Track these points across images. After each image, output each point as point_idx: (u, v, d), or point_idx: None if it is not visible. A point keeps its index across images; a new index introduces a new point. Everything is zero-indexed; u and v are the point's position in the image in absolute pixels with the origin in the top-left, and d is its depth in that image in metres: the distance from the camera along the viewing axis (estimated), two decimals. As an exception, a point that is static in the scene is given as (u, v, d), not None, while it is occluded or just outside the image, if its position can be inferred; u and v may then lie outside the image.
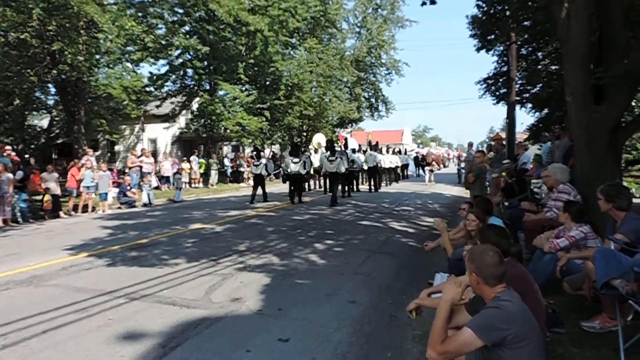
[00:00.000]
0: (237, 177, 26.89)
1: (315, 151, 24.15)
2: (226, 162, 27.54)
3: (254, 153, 19.54)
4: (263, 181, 18.05)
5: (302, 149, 23.44)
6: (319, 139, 26.27)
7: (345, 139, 21.36)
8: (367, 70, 40.05)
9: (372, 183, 21.98)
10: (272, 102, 28.37)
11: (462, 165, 25.84)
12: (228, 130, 26.68)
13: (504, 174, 11.24)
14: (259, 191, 17.85)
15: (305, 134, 36.18)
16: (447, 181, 27.56)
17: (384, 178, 24.97)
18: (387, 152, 26.68)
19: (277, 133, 32.76)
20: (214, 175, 24.59)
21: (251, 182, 25.71)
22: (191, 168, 23.67)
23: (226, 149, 35.78)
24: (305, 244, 9.20)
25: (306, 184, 21.52)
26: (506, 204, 9.44)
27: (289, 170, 17.47)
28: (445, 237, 6.11)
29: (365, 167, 22.11)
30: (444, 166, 47.00)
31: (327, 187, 20.65)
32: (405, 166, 32.49)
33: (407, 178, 32.28)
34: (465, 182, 13.62)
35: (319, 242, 9.28)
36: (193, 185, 23.74)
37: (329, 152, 17.38)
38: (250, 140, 27.27)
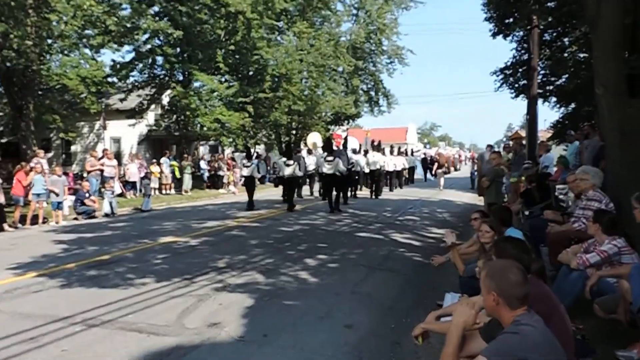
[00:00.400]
0: (215, 182, 26.86)
1: (309, 152, 24.28)
2: (202, 164, 27.50)
3: (244, 153, 20.08)
4: (254, 184, 18.57)
5: (300, 148, 23.73)
6: (315, 139, 26.38)
7: (345, 138, 21.50)
8: (365, 58, 40.22)
9: (374, 188, 22.19)
10: (256, 96, 28.41)
11: (476, 168, 26.07)
12: (205, 128, 26.63)
13: (523, 178, 11.32)
14: (254, 195, 18.36)
15: (294, 132, 36.26)
16: (458, 186, 27.71)
17: (387, 183, 25.13)
18: (391, 153, 26.83)
19: (262, 131, 32.77)
20: (187, 180, 24.54)
21: (232, 188, 26.01)
22: (161, 172, 23.61)
23: (202, 150, 35.72)
24: (294, 259, 9.21)
25: (304, 187, 22.28)
26: (526, 213, 9.50)
27: (283, 174, 17.95)
28: (455, 252, 6.13)
29: (367, 170, 22.27)
30: (455, 169, 47.26)
31: (323, 192, 20.95)
32: (411, 169, 32.71)
33: (413, 183, 32.48)
34: (478, 187, 13.69)
35: (310, 257, 9.29)
36: (164, 191, 23.68)
37: (326, 152, 17.74)
38: (230, 140, 27.28)
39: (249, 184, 18.49)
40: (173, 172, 24.47)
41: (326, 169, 17.28)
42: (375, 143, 24.13)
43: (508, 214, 6.23)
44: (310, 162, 21.90)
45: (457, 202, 19.68)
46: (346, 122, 42.86)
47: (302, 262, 8.99)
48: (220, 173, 26.72)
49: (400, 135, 77.88)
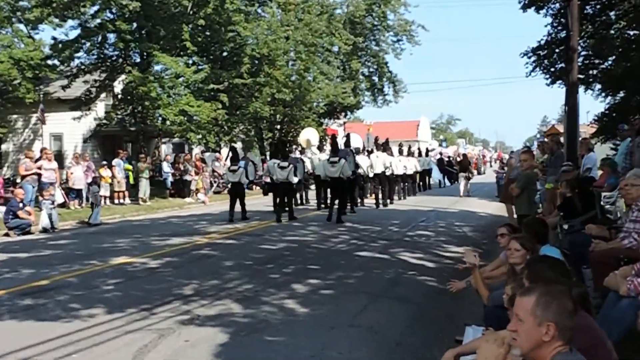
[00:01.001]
0: (180, 189, 26.85)
1: (302, 152, 24.36)
2: (165, 167, 27.48)
3: (230, 154, 20.53)
4: (243, 191, 19.03)
5: (292, 148, 23.90)
6: (309, 135, 26.42)
7: (347, 135, 21.62)
8: (367, 36, 40.51)
9: (380, 196, 22.42)
10: (232, 82, 28.48)
11: (504, 171, 26.24)
12: (167, 122, 26.65)
13: (561, 184, 11.37)
14: (239, 206, 18.54)
15: (279, 126, 36.35)
16: (482, 194, 27.93)
17: (397, 189, 25.40)
18: (401, 153, 26.89)
19: (239, 126, 32.82)
20: (146, 187, 24.51)
21: (201, 196, 26.02)
22: (113, 176, 23.56)
23: (165, 149, 35.66)
24: (279, 284, 9.22)
25: (298, 194, 22.81)
26: (565, 227, 9.55)
27: (274, 178, 18.36)
28: (478, 275, 6.16)
29: (371, 174, 22.50)
30: (479, 173, 47.63)
31: (320, 199, 21.43)
32: (426, 173, 32.99)
33: (428, 189, 32.75)
34: (506, 195, 13.70)
35: (298, 282, 9.30)
36: (116, 201, 23.63)
37: (329, 152, 18.08)
38: (199, 136, 27.30)
39: (236, 192, 18.77)
40: (128, 177, 24.41)
41: (330, 172, 17.71)
42: (381, 141, 24.16)
43: (543, 229, 6.26)
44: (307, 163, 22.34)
45: (481, 213, 19.78)
46: (343, 114, 43.09)
47: (289, 288, 8.99)
48: (187, 178, 26.70)
49: (410, 130, 78.26)
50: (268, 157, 33.35)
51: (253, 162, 23.29)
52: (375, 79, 42.62)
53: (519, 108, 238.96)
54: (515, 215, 11.37)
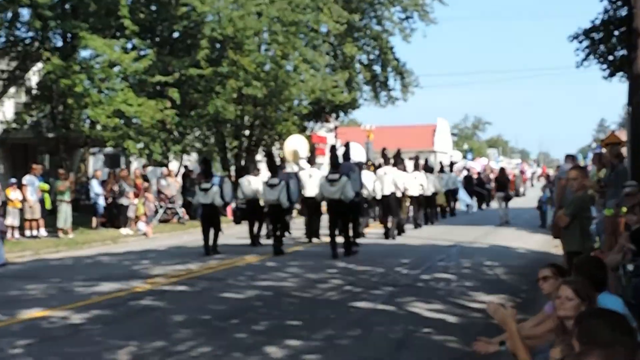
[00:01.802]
0: (115, 216, 26.71)
1: (280, 166, 24.44)
2: (94, 187, 27.31)
3: (202, 168, 21.03)
4: (218, 216, 19.73)
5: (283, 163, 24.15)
6: (296, 145, 26.38)
7: (347, 145, 21.67)
8: (366, 11, 40.69)
9: (388, 224, 22.61)
10: (185, 73, 28.47)
11: (548, 193, 26.33)
12: (98, 126, 26.51)
13: (624, 209, 11.42)
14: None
15: (248, 132, 36.29)
16: (520, 223, 28.05)
17: (409, 214, 25.47)
18: (417, 168, 27.00)
19: (194, 131, 32.74)
20: (67, 214, 24.34)
21: (142, 226, 25.90)
22: (24, 200, 23.42)
23: (94, 163, 35.52)
24: (246, 347, 9.17)
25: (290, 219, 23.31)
26: (630, 268, 9.57)
27: (265, 199, 19.09)
28: (514, 334, 6.14)
29: (378, 196, 22.84)
30: (517, 194, 47.80)
31: (311, 228, 21.90)
32: (450, 194, 33.24)
33: (452, 215, 33.01)
34: (553, 226, 13.61)
35: (273, 344, 9.25)
36: (28, 232, 23.48)
37: (329, 168, 18.65)
38: (140, 145, 27.21)
39: (210, 216, 19.36)
40: (43, 201, 24.24)
41: (329, 192, 18.15)
42: (390, 152, 24.23)
43: (600, 271, 6.26)
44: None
45: (519, 249, 19.83)
46: (334, 115, 43.16)
47: (260, 352, 8.94)
48: (124, 202, 26.54)
49: (423, 138, 78.53)
50: (233, 173, 33.43)
51: (228, 179, 23.26)
52: (377, 68, 42.75)
53: (568, 109, 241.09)
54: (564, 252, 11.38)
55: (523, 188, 55.61)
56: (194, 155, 37.73)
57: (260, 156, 36.57)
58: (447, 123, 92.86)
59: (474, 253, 18.86)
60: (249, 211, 21.72)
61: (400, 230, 23.39)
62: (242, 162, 35.01)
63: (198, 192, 20.05)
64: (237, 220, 26.86)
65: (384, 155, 23.93)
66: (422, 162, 28.69)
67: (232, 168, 35.67)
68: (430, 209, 28.68)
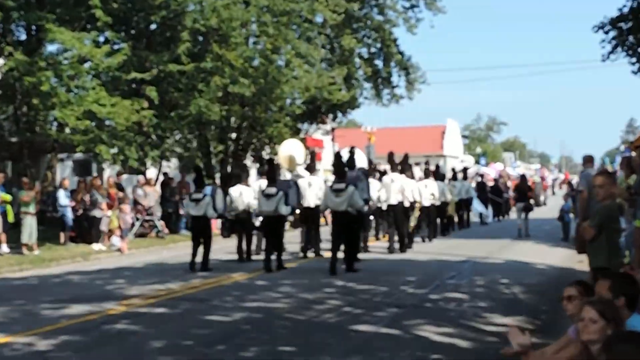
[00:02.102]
0: (86, 230, 26.64)
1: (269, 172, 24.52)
2: (62, 198, 27.24)
3: (194, 177, 21.26)
4: (209, 229, 20.16)
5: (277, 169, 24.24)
6: (292, 150, 26.36)
7: (351, 151, 21.70)
8: (365, 0, 40.66)
9: (395, 237, 22.79)
10: (164, 69, 28.40)
11: (571, 202, 26.28)
12: (67, 129, 26.42)
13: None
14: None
15: (234, 135, 36.22)
16: (540, 235, 28.12)
17: (417, 226, 25.47)
18: (427, 175, 27.07)
19: (174, 134, 32.65)
20: (32, 228, 24.25)
21: (116, 241, 25.85)
22: (-16, 211, 23.32)
23: (62, 170, 35.43)
24: (233, 377, 9.10)
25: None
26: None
27: (259, 211, 19.52)
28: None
29: (384, 206, 23.09)
30: (536, 204, 47.98)
31: (308, 241, 22.09)
32: (463, 204, 33.41)
33: (466, 227, 33.21)
34: (576, 239, 13.50)
35: (264, 374, 9.19)
36: (-12, 248, 23.38)
37: (334, 176, 19.09)
38: (114, 151, 27.13)
39: (201, 228, 19.76)
40: (5, 213, 24.15)
41: (334, 203, 18.41)
42: (398, 156, 24.27)
43: (631, 289, 6.23)
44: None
45: (539, 265, 19.82)
46: (331, 116, 43.12)
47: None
48: (96, 214, 26.48)
49: (431, 140, 78.84)
50: (218, 180, 33.36)
51: (220, 189, 23.30)
52: (379, 63, 42.77)
53: (593, 107, 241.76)
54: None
55: (543, 196, 55.70)
56: (174, 162, 37.58)
57: (249, 162, 36.52)
58: (457, 124, 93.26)
59: (488, 269, 18.85)
60: (239, 224, 21.84)
61: (407, 244, 23.42)
62: (229, 169, 34.97)
63: (188, 203, 20.36)
64: (225, 234, 26.86)
65: (391, 160, 23.89)
66: (432, 168, 28.71)
67: (217, 175, 35.62)
68: (441, 220, 28.77)
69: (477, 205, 36.67)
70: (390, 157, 23.96)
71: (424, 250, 23.61)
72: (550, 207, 45.41)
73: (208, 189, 20.29)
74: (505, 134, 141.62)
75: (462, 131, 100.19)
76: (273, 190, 18.97)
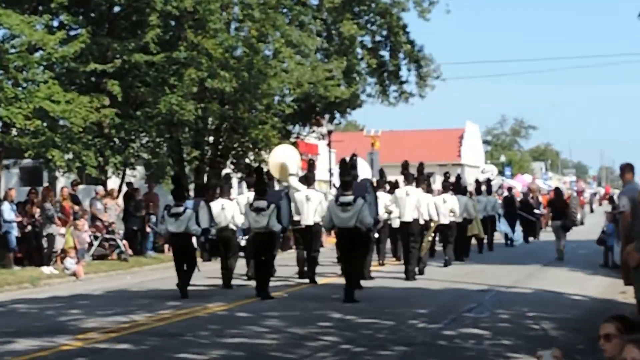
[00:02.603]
0: (34, 250, 26.59)
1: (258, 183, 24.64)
2: (6, 212, 27.26)
3: (172, 188, 21.52)
4: (192, 249, 20.42)
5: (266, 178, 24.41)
6: (284, 157, 26.44)
7: (352, 159, 21.83)
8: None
9: (406, 260, 22.98)
10: (128, 59, 28.39)
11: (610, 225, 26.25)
12: (14, 131, 26.42)
13: None
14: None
15: (212, 138, 36.18)
16: (576, 260, 28.21)
17: (431, 248, 25.93)
18: (447, 189, 27.26)
19: (141, 137, 32.65)
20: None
21: (71, 264, 25.76)
22: None
23: (7, 179, 35.42)
24: None
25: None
26: None
27: (247, 228, 19.99)
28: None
29: (395, 224, 23.69)
30: (574, 222, 48.16)
31: (303, 264, 22.59)
32: (489, 222, 33.69)
33: (489, 250, 33.49)
34: (622, 267, 13.43)
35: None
36: None
37: (339, 186, 19.44)
38: (69, 156, 27.16)
39: (183, 248, 19.96)
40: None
41: (340, 219, 18.47)
42: (412, 165, 24.38)
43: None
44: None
45: (573, 296, 19.77)
46: (328, 117, 43.04)
47: None
48: (47, 231, 26.48)
49: (447, 147, 78.83)
50: (192, 194, 33.37)
51: (205, 202, 23.33)
52: (385, 54, 42.77)
53: (639, 109, 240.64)
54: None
55: (580, 214, 55.37)
56: (140, 170, 37.44)
57: (229, 170, 36.47)
58: (477, 128, 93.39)
59: (513, 301, 18.79)
60: (223, 243, 22.01)
61: (421, 269, 23.67)
62: (205, 179, 34.92)
63: (167, 219, 20.26)
64: (206, 256, 27.05)
65: (405, 170, 23.90)
66: (453, 178, 28.86)
67: (192, 186, 35.62)
68: (461, 240, 28.96)
69: (502, 225, 36.74)
70: (405, 167, 23.90)
71: (437, 276, 23.64)
72: (588, 226, 45.36)
73: (189, 203, 20.40)
74: (534, 139, 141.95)
75: (483, 136, 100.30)
76: (263, 203, 19.11)
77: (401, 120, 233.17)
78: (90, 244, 28.41)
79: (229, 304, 18.57)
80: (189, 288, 20.04)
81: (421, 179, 23.86)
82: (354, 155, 22.99)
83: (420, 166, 24.20)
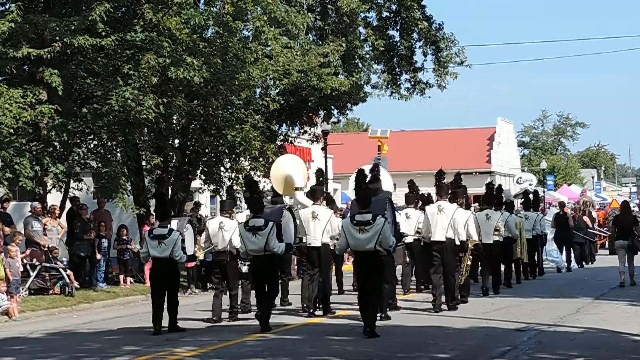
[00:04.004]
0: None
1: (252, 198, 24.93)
2: None
3: (156, 206, 22.38)
4: (175, 276, 21.30)
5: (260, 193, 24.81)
6: (289, 169, 26.69)
7: (374, 170, 22.17)
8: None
9: (442, 289, 23.55)
10: (72, 42, 28.48)
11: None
12: None
13: None
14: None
15: (179, 141, 36.21)
16: (634, 291, 28.21)
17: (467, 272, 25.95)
18: (490, 203, 27.75)
19: (88, 140, 32.72)
20: None
21: (2, 300, 25.68)
22: None
23: None
24: None
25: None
26: None
27: (242, 251, 20.65)
28: None
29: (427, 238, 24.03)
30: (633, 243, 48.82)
31: (310, 292, 23.07)
32: (536, 244, 34.30)
33: (539, 276, 34.14)
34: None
35: None
36: None
37: (356, 201, 19.71)
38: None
39: (164, 277, 20.56)
40: None
41: (356, 242, 18.93)
42: (448, 175, 24.72)
43: None
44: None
45: (634, 336, 19.72)
46: (322, 114, 43.07)
47: None
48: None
49: (473, 149, 79.07)
50: (153, 211, 33.47)
51: (192, 222, 23.66)
52: (394, 34, 42.93)
53: None
54: None
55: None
56: (88, 181, 37.42)
57: (199, 183, 36.53)
58: (511, 127, 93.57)
59: (558, 342, 18.74)
60: (219, 270, 22.69)
61: (459, 299, 24.42)
62: (169, 192, 34.99)
63: (148, 241, 20.78)
64: (198, 285, 27.40)
65: (439, 182, 24.20)
66: (496, 188, 29.37)
67: (152, 204, 35.69)
68: (505, 265, 29.77)
69: (551, 249, 37.14)
70: (440, 177, 24.23)
71: (462, 312, 23.68)
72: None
73: (175, 223, 21.00)
74: (584, 141, 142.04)
75: (519, 137, 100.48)
76: (260, 221, 19.62)
77: (415, 119, 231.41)
78: (27, 275, 28.45)
79: (200, 348, 18.46)
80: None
81: (458, 193, 24.36)
82: (375, 166, 23.23)
83: (457, 177, 24.74)
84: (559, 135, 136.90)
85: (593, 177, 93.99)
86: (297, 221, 22.93)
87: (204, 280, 27.67)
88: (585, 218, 42.93)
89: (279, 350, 17.91)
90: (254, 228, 19.63)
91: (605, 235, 47.74)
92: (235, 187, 32.14)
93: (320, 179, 24.99)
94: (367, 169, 21.54)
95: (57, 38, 28.29)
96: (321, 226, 22.26)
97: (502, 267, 29.86)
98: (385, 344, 18.65)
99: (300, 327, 21.43)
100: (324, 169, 22.04)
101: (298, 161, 27.58)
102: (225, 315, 22.56)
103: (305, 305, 23.35)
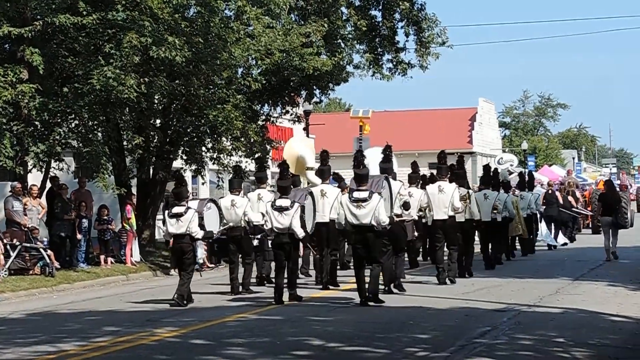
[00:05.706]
0: None
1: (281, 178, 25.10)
2: None
3: (174, 186, 22.66)
4: (192, 253, 21.93)
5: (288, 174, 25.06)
6: (299, 148, 26.67)
7: (386, 150, 22.49)
8: None
9: (434, 259, 25.21)
10: (53, 21, 28.32)
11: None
12: None
13: None
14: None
15: (161, 121, 36.10)
16: (617, 272, 28.26)
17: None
18: (489, 183, 28.98)
19: (70, 120, 32.61)
20: None
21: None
22: None
23: None
24: None
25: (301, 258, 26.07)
26: None
27: (264, 230, 21.76)
28: None
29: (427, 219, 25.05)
30: (625, 221, 48.83)
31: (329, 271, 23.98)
32: (529, 222, 34.95)
33: (530, 253, 34.89)
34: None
35: None
36: None
37: (354, 179, 20.53)
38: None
39: (183, 252, 21.53)
40: None
41: (353, 217, 19.81)
42: (453, 155, 25.06)
43: None
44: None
45: (613, 317, 19.79)
46: (304, 94, 42.98)
47: None
48: None
49: (455, 130, 79.12)
50: (135, 191, 33.36)
51: (213, 202, 23.72)
52: (377, 14, 42.86)
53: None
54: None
55: (629, 213, 55.22)
56: (69, 161, 37.25)
57: (181, 162, 36.45)
58: (493, 107, 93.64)
59: (537, 323, 18.79)
60: (234, 245, 23.70)
61: (466, 271, 25.82)
62: (151, 172, 34.86)
63: (167, 220, 21.78)
64: (214, 259, 27.56)
65: (441, 163, 24.51)
66: (500, 168, 29.79)
67: (134, 184, 35.53)
68: (501, 243, 30.61)
69: (544, 230, 37.46)
70: (442, 159, 24.61)
71: (442, 292, 23.77)
72: (635, 230, 45.46)
73: (194, 204, 21.89)
74: (565, 122, 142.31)
75: (500, 117, 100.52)
76: (287, 202, 20.60)
77: (397, 99, 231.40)
78: (6, 256, 28.36)
79: (182, 328, 18.52)
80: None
81: (460, 174, 25.46)
82: (388, 146, 23.38)
83: (460, 158, 25.53)
84: (539, 116, 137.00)
85: (574, 158, 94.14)
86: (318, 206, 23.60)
87: (218, 255, 27.87)
88: (570, 198, 43.57)
89: (260, 331, 17.92)
90: (280, 208, 20.56)
91: (588, 215, 48.35)
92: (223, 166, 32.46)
93: (327, 159, 25.15)
94: (378, 150, 21.98)
95: (39, 17, 28.14)
96: (329, 203, 23.38)
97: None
98: (365, 324, 18.70)
99: (281, 308, 21.40)
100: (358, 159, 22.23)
101: (305, 142, 28.09)
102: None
103: (319, 277, 24.63)
